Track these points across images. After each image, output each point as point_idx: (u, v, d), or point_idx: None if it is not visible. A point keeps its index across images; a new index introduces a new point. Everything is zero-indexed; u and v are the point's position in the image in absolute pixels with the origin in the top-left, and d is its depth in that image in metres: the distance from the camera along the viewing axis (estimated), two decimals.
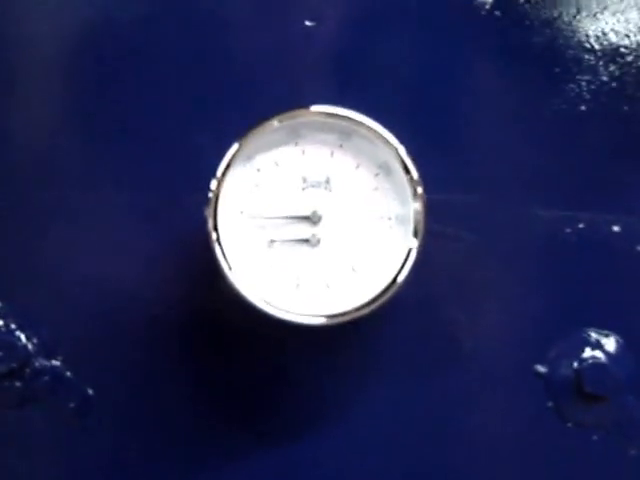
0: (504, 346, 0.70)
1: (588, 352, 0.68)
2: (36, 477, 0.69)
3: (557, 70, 0.70)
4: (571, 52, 0.70)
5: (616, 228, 0.69)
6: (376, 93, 0.68)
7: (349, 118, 0.60)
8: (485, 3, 0.70)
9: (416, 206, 0.59)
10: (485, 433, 0.69)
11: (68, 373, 0.68)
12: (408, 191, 0.60)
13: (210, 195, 0.59)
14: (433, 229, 0.62)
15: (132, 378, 0.69)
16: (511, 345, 0.70)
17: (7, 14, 0.70)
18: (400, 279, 0.59)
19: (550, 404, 0.68)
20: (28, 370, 0.68)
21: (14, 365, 0.67)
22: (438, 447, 0.69)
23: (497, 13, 0.70)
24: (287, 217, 0.60)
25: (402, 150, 0.59)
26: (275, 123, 0.59)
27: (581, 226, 0.69)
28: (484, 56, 0.69)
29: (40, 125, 0.69)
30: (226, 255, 0.59)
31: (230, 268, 0.59)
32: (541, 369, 0.69)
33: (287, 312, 0.58)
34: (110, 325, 0.69)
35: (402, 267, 0.59)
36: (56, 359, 0.68)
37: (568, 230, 0.69)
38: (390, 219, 0.61)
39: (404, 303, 0.65)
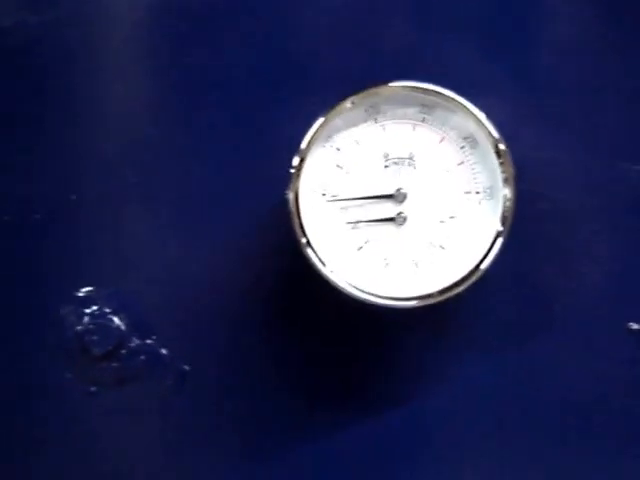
0: (599, 307, 0.68)
1: None
2: (136, 452, 0.72)
3: None
4: None
5: None
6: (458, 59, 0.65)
7: (430, 90, 0.57)
8: None
9: (505, 192, 0.57)
10: (580, 394, 0.68)
11: (163, 351, 0.70)
12: (496, 163, 0.57)
13: (291, 177, 0.58)
14: (524, 190, 0.59)
15: (224, 354, 0.70)
16: (606, 304, 0.68)
17: None
18: (486, 263, 0.57)
19: None
20: (124, 351, 0.70)
21: (110, 347, 0.69)
22: (533, 411, 0.68)
23: None
24: (371, 197, 0.58)
25: (487, 121, 0.57)
26: (351, 102, 0.57)
27: None
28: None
29: (124, 114, 0.69)
30: (310, 240, 0.58)
31: (317, 256, 0.58)
32: (635, 326, 0.67)
33: (376, 296, 0.58)
34: (199, 303, 0.70)
35: (489, 251, 0.57)
36: (150, 338, 0.70)
37: None
38: (478, 193, 0.58)
39: (498, 269, 0.63)
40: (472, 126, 0.57)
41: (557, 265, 0.66)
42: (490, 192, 0.58)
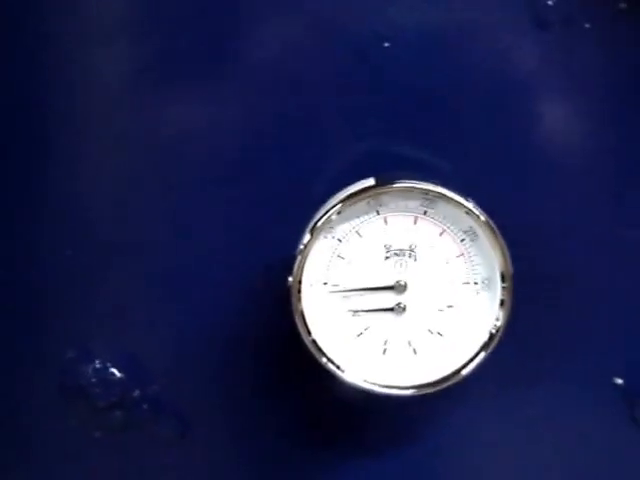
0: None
1: None
2: None
3: None
4: None
5: None
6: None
7: (432, 191, 0.57)
8: None
9: (505, 285, 0.58)
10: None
11: (165, 398, 0.72)
12: (494, 256, 0.58)
13: (294, 266, 0.59)
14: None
15: (226, 400, 0.73)
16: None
17: None
18: (484, 354, 0.60)
19: None
20: (127, 400, 0.72)
21: (113, 399, 0.72)
22: None
23: None
24: (371, 288, 0.59)
25: (486, 218, 0.58)
26: (360, 201, 0.57)
27: None
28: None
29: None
30: (309, 327, 0.60)
31: (317, 346, 0.60)
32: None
33: (374, 384, 0.60)
34: (201, 350, 0.72)
35: (489, 342, 0.59)
36: (152, 387, 0.72)
37: None
38: (476, 284, 0.60)
39: None
40: (472, 222, 0.58)
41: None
42: (488, 283, 0.60)
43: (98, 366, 0.71)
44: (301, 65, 0.66)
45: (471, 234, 0.59)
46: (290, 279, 0.59)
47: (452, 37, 0.65)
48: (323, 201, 0.61)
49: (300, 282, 0.59)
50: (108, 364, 0.71)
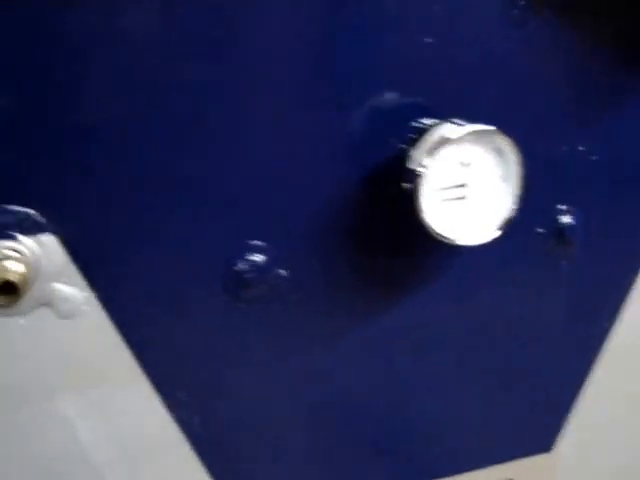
0: None
1: None
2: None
3: None
4: None
5: None
6: None
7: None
8: None
9: None
10: None
11: (299, 276, 0.85)
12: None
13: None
14: None
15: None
16: None
17: None
18: None
19: None
20: (269, 278, 0.84)
21: (257, 277, 0.83)
22: None
23: None
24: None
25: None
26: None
27: None
28: None
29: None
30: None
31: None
32: None
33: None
34: (329, 233, 0.85)
35: None
36: (287, 267, 0.85)
37: None
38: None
39: None
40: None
41: None
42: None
43: (247, 253, 0.83)
44: None
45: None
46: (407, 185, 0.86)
47: None
48: None
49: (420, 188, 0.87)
50: (253, 249, 0.83)
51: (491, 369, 0.97)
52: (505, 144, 0.88)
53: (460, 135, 0.85)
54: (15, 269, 0.69)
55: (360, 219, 0.87)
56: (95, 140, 0.73)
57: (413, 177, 0.84)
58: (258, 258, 0.82)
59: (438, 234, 0.86)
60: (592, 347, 1.04)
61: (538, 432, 1.03)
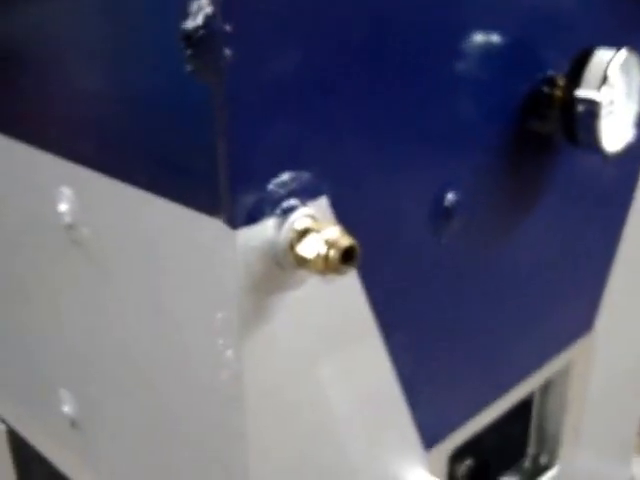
0: None
1: None
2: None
3: None
4: None
5: None
6: None
7: None
8: None
9: None
10: None
11: None
12: None
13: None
14: None
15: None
16: None
17: None
18: None
19: None
20: None
21: None
22: None
23: None
24: None
25: None
26: None
27: None
28: None
29: None
30: None
31: None
32: None
33: None
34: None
35: None
36: None
37: None
38: None
39: None
40: None
41: None
42: None
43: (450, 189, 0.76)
44: None
45: None
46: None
47: None
48: None
49: None
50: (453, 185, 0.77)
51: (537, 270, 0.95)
52: (634, 64, 0.93)
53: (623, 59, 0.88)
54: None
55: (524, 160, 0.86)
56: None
57: (588, 103, 0.85)
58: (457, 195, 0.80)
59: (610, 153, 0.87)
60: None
61: (580, 315, 1.06)
